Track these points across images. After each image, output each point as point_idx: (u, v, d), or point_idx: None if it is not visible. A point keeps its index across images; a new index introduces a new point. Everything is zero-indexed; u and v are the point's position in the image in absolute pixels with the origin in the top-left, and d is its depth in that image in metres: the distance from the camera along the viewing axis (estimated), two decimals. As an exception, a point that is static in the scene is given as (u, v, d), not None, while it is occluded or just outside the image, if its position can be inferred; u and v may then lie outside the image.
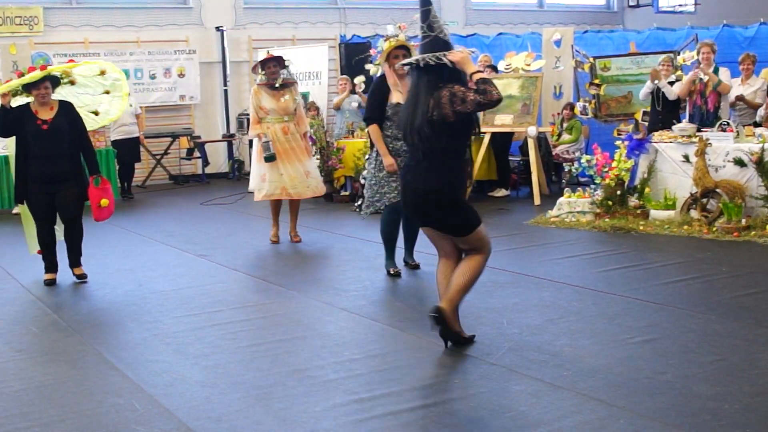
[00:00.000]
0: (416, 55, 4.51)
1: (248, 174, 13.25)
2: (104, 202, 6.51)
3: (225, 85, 14.51)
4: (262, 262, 7.27)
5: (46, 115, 6.38)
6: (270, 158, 7.77)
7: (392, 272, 6.40)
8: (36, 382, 4.25)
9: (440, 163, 4.39)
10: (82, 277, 6.56)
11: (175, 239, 8.36)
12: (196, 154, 14.06)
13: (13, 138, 6.54)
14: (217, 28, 14.39)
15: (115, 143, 11.87)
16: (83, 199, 6.53)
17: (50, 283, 6.46)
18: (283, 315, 5.41)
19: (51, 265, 6.57)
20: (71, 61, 7.43)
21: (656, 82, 9.21)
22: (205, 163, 14.11)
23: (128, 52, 13.60)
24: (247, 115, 14.19)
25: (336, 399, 3.87)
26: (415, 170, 4.48)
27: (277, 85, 7.77)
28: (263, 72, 7.86)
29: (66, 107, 6.50)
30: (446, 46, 4.42)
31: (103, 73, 6.85)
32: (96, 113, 7.01)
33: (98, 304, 5.96)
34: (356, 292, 5.95)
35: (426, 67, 4.36)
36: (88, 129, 6.74)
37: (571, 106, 10.94)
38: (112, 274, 6.91)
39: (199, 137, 14.16)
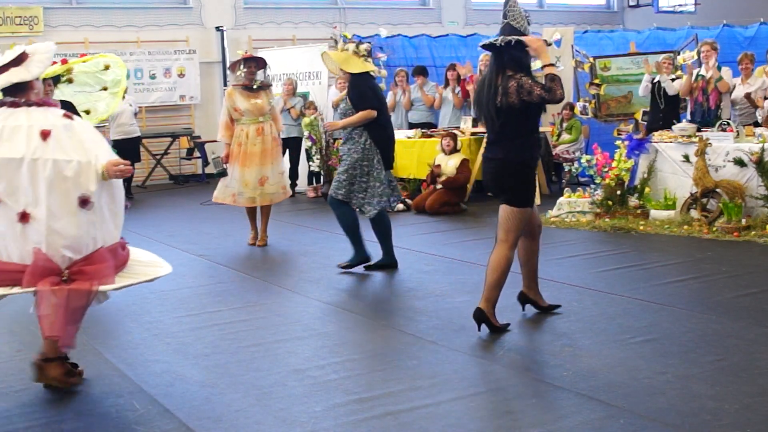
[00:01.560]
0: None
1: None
2: None
3: (225, 85, 14.44)
4: (262, 262, 7.27)
5: None
6: (221, 174, 7.96)
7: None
8: (36, 383, 4.25)
9: (510, 140, 4.73)
10: None
11: (175, 239, 8.36)
12: (196, 154, 14.06)
13: None
14: (217, 28, 14.40)
15: (114, 143, 11.87)
16: None
17: None
18: (283, 315, 5.41)
19: None
20: (83, 55, 7.18)
21: (659, 75, 9.22)
22: (205, 163, 14.10)
23: (128, 52, 13.60)
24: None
25: (336, 399, 3.87)
26: (490, 146, 4.92)
27: (255, 87, 7.70)
28: (244, 69, 7.73)
29: (69, 107, 6.25)
30: (514, 32, 4.71)
31: (107, 68, 6.67)
32: (87, 112, 6.81)
33: (97, 304, 5.95)
34: (356, 292, 5.95)
35: (499, 48, 4.69)
36: (111, 109, 6.70)
37: (570, 106, 10.94)
38: (112, 274, 6.91)
39: (199, 137, 14.16)
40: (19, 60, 4.03)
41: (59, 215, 3.80)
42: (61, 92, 6.56)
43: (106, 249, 3.93)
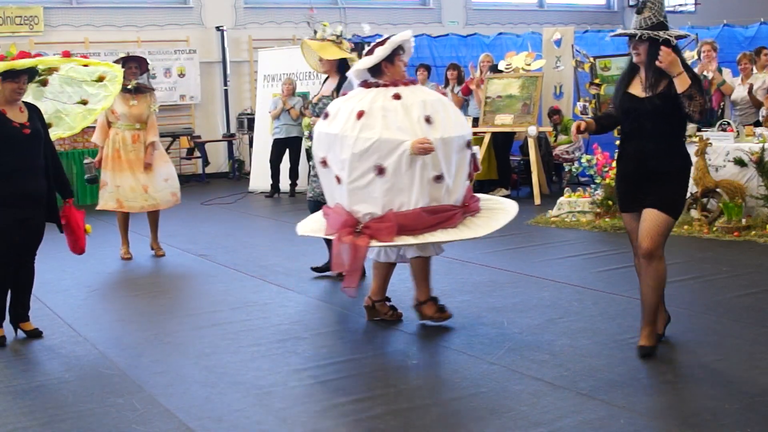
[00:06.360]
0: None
1: (248, 174, 13.30)
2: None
3: (225, 84, 14.51)
4: (262, 262, 7.27)
5: (20, 117, 4.91)
6: (91, 180, 7.77)
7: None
8: (36, 382, 4.25)
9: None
10: (34, 334, 5.05)
11: (176, 239, 8.35)
12: (197, 153, 14.06)
13: None
14: (218, 28, 14.40)
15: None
16: (44, 229, 5.07)
17: None
18: (283, 315, 5.41)
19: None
20: (85, 56, 5.77)
21: None
22: (205, 162, 14.11)
23: (128, 51, 13.58)
24: (249, 114, 14.21)
25: (336, 399, 3.87)
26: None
27: (129, 86, 7.12)
28: (124, 69, 6.97)
29: (35, 110, 5.10)
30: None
31: (101, 79, 5.62)
32: (50, 125, 5.38)
33: (98, 304, 5.96)
34: (356, 292, 5.94)
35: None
36: (78, 126, 5.64)
37: (554, 111, 10.90)
38: (112, 274, 6.91)
39: (199, 137, 14.16)
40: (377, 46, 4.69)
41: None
42: (30, 94, 5.33)
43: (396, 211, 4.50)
